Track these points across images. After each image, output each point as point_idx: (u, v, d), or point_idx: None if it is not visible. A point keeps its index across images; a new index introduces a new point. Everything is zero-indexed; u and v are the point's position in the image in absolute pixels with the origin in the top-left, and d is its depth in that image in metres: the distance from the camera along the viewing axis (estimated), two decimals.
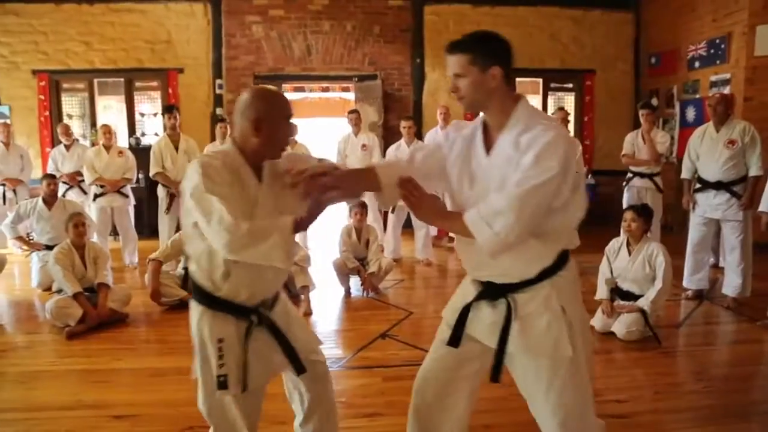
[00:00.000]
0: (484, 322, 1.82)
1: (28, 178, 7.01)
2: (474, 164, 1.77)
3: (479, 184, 1.73)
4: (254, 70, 8.40)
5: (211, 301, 1.87)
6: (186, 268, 4.94)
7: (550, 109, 8.64)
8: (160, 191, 6.18)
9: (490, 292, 1.82)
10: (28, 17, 8.18)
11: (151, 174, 6.09)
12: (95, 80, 8.49)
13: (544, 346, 1.73)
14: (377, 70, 8.38)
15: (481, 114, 1.81)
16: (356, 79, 8.45)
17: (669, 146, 6.24)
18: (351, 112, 7.24)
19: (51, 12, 8.18)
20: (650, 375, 3.36)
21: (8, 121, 7.45)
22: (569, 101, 9.07)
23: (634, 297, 3.94)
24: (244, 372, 1.85)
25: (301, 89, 9.63)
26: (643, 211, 3.96)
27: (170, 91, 8.41)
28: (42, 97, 8.29)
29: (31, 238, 6.05)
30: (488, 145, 1.74)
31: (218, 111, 8.41)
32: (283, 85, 8.67)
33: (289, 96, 10.40)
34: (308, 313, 4.49)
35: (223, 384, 1.84)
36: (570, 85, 9.05)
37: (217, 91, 8.44)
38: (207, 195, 1.69)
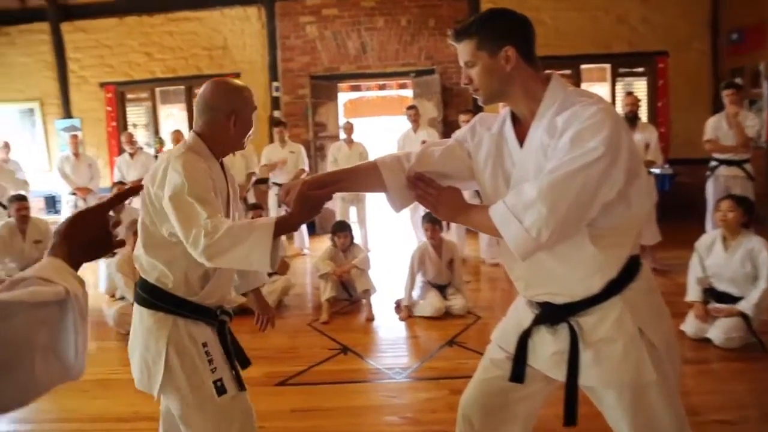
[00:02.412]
0: (546, 353, 1.54)
1: (97, 186, 7.20)
2: (508, 162, 1.51)
3: (517, 182, 1.45)
4: (309, 70, 8.34)
5: (185, 308, 1.78)
6: None
7: (619, 97, 8.11)
8: None
9: (548, 315, 1.53)
10: (94, 33, 8.45)
11: None
12: (157, 89, 8.67)
13: (623, 376, 1.44)
14: (434, 64, 8.12)
15: (502, 105, 1.56)
16: (413, 74, 8.23)
17: (759, 129, 5.66)
18: (409, 108, 7.06)
19: (115, 26, 8.42)
20: (756, 391, 2.95)
21: (78, 133, 7.69)
22: (640, 87, 8.47)
23: (731, 299, 3.49)
24: (236, 371, 1.82)
25: (357, 88, 9.51)
26: (742, 201, 3.52)
27: None
28: (109, 108, 8.55)
29: None
30: (521, 137, 1.47)
31: (275, 113, 8.39)
32: (339, 85, 8.58)
33: (346, 95, 10.35)
34: (370, 319, 4.30)
35: (221, 388, 1.76)
36: (640, 70, 8.45)
37: (274, 94, 8.43)
38: (189, 200, 1.60)
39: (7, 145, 7.52)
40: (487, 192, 1.56)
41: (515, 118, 1.52)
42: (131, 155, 6.97)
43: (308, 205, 1.58)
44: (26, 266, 3.68)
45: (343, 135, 7.22)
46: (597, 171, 1.26)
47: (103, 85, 8.51)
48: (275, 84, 8.43)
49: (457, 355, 3.50)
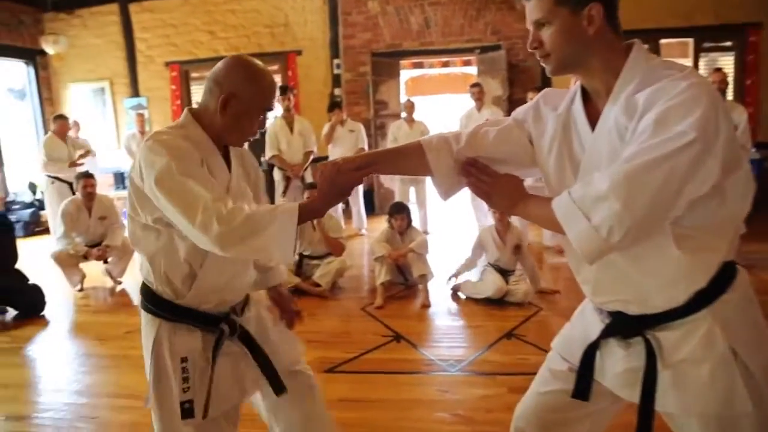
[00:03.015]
0: (616, 369, 1.32)
1: None
2: (576, 146, 1.27)
3: (587, 171, 1.22)
4: (371, 47, 8.16)
5: (170, 312, 1.54)
6: (301, 254, 4.82)
7: (703, 74, 7.48)
8: (276, 174, 6.12)
9: (620, 326, 1.30)
10: (160, 12, 8.59)
11: (267, 157, 6.03)
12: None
13: (709, 405, 1.19)
14: (500, 40, 7.75)
15: (574, 80, 1.29)
16: (478, 50, 7.90)
17: None
18: (473, 86, 6.76)
19: (179, 5, 8.52)
20: None
21: (144, 112, 7.87)
22: (726, 63, 7.78)
23: None
24: (207, 394, 1.52)
25: (420, 65, 9.26)
26: None
27: (290, 73, 8.43)
28: (174, 87, 8.71)
29: None
30: (593, 118, 1.23)
31: (336, 91, 8.29)
32: (401, 62, 8.36)
33: (408, 73, 10.09)
34: (426, 305, 4.14)
35: (188, 411, 1.51)
36: (728, 44, 7.75)
37: (335, 71, 8.32)
38: (181, 179, 1.34)
39: (77, 124, 7.80)
40: (551, 182, 1.34)
41: (586, 95, 1.28)
42: None
43: (336, 188, 1.40)
44: (92, 241, 3.76)
45: (404, 113, 7.02)
46: (686, 160, 1.02)
47: (168, 64, 8.67)
48: (336, 61, 8.31)
49: (516, 349, 3.29)
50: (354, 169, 1.41)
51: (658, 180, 1.02)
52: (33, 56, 8.70)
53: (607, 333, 1.33)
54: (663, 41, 7.68)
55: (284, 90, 5.94)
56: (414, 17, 8.02)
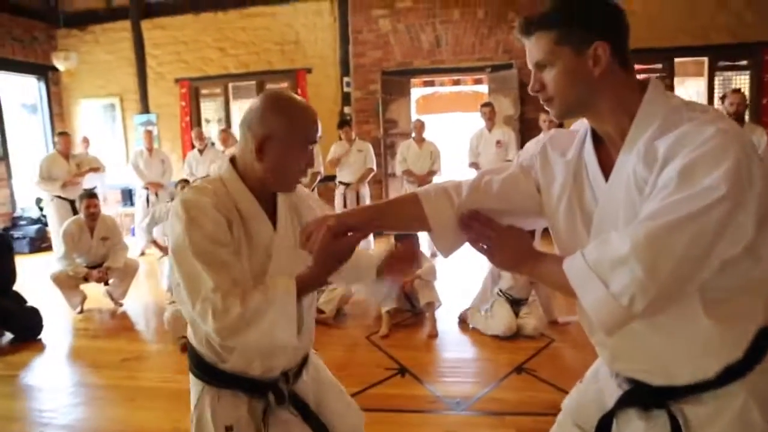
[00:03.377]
0: None
1: (169, 181, 7.29)
2: (588, 197, 1.13)
3: (601, 226, 1.08)
4: (382, 65, 8.09)
5: (214, 376, 1.43)
6: None
7: (717, 94, 7.31)
8: None
9: (641, 396, 1.15)
10: (171, 29, 8.60)
11: None
12: (230, 84, 8.71)
13: None
14: (512, 58, 7.64)
15: (582, 121, 1.17)
16: (489, 69, 7.80)
17: None
18: (484, 105, 6.67)
19: (191, 23, 8.53)
20: None
21: (152, 129, 7.83)
22: (742, 82, 7.62)
23: None
24: None
25: (430, 83, 9.16)
26: None
27: (299, 91, 8.37)
28: (183, 103, 8.69)
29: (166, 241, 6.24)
30: (606, 165, 1.10)
31: (346, 110, 8.22)
32: (412, 80, 8.27)
33: (419, 91, 9.99)
34: (433, 335, 3.98)
35: None
36: (744, 62, 7.59)
37: (345, 89, 8.25)
38: (190, 258, 1.25)
39: (86, 140, 7.79)
40: (561, 236, 1.20)
41: (597, 138, 1.14)
42: (200, 151, 7.01)
43: (334, 257, 1.26)
44: (93, 262, 3.65)
45: (414, 133, 6.91)
46: (715, 219, 0.89)
47: (178, 80, 8.65)
48: (346, 79, 8.24)
49: (526, 385, 3.12)
50: (347, 230, 1.27)
51: (685, 242, 0.89)
52: (45, 72, 8.74)
53: (625, 402, 1.18)
54: (677, 60, 7.55)
55: None
56: (425, 35, 7.95)
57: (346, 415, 1.61)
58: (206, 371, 1.44)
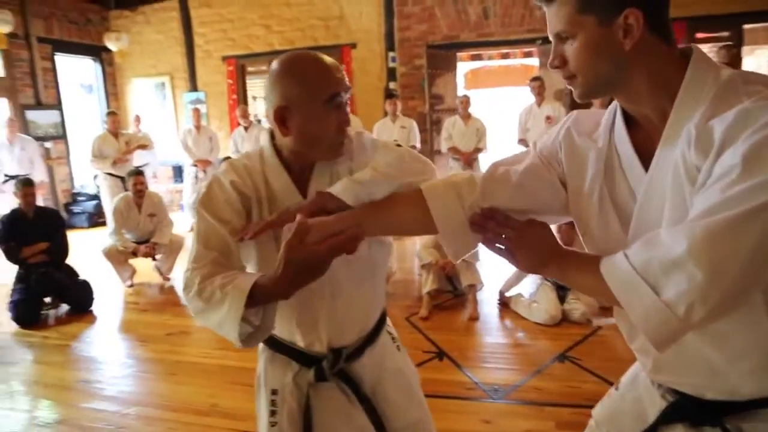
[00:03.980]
0: None
1: (216, 158, 7.38)
2: (623, 190, 0.97)
3: (642, 224, 0.93)
4: (427, 39, 7.88)
5: (269, 340, 1.39)
6: None
7: None
8: None
9: (690, 412, 1.01)
10: (217, 7, 8.63)
11: None
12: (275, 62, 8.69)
13: None
14: None
15: (615, 103, 0.99)
16: (539, 42, 7.47)
17: None
18: (533, 79, 6.43)
19: (236, 0, 8.52)
20: None
21: (199, 107, 7.93)
22: None
23: None
24: None
25: (478, 57, 8.91)
26: None
27: (344, 67, 8.25)
28: (230, 81, 8.75)
29: None
30: (644, 153, 0.93)
31: (391, 85, 8.08)
32: (459, 54, 8.05)
33: (466, 65, 9.75)
34: (474, 318, 3.88)
35: None
36: None
37: (390, 65, 8.10)
38: (196, 228, 1.26)
39: (138, 118, 7.96)
40: (594, 235, 1.04)
41: (629, 121, 0.97)
42: (245, 128, 7.05)
43: (305, 268, 1.07)
44: (141, 237, 3.74)
45: (459, 109, 6.73)
46: None
47: (225, 58, 8.71)
48: (391, 54, 8.09)
49: (569, 374, 3.00)
50: (327, 235, 1.07)
51: (753, 241, 0.74)
52: (99, 53, 8.96)
53: (670, 417, 1.04)
54: (747, 26, 7.01)
55: None
56: (472, 7, 7.68)
57: (405, 409, 1.48)
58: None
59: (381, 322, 1.48)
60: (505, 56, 8.92)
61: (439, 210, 1.11)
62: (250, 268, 1.31)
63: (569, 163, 1.06)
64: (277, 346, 1.40)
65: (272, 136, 1.32)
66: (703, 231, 0.77)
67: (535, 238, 1.04)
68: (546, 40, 7.07)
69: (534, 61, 8.05)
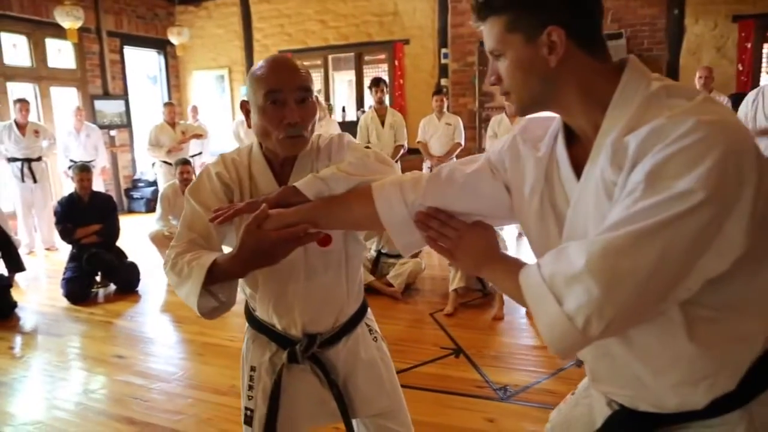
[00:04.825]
0: None
1: None
2: (560, 198, 0.97)
3: (572, 232, 0.92)
4: (480, 36, 7.69)
5: (251, 320, 1.54)
6: (379, 251, 4.72)
7: None
8: None
9: (629, 421, 1.00)
10: (276, 3, 8.88)
11: None
12: (329, 56, 8.86)
13: None
14: (622, 27, 7.05)
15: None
16: None
17: None
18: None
19: None
20: None
21: None
22: None
23: None
24: (273, 417, 1.45)
25: None
26: None
27: (396, 62, 8.34)
28: None
29: None
30: (580, 164, 0.93)
31: (443, 81, 8.06)
32: None
33: None
34: (498, 318, 3.85)
35: (248, 419, 1.51)
36: None
37: (443, 61, 8.09)
38: (184, 216, 1.38)
39: (195, 109, 8.31)
40: (534, 240, 1.05)
41: (571, 132, 0.99)
42: None
43: (259, 253, 1.19)
44: None
45: (506, 107, 6.63)
46: (692, 229, 0.73)
47: (281, 52, 8.93)
48: (444, 50, 8.07)
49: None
50: (284, 225, 1.18)
51: (652, 257, 0.74)
52: (164, 46, 9.40)
53: (614, 425, 1.04)
54: None
55: (377, 82, 5.85)
56: None
57: (373, 399, 1.54)
58: (247, 314, 1.55)
59: (359, 315, 1.55)
60: None
61: (384, 206, 1.15)
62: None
63: (512, 170, 1.07)
64: (258, 326, 1.51)
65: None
66: (601, 246, 0.77)
67: (475, 240, 1.07)
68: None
69: None
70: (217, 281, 1.25)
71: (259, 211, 1.19)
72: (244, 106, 1.37)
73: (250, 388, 1.51)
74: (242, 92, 9.17)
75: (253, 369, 1.51)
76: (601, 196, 0.86)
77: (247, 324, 1.55)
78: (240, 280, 1.42)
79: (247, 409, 1.51)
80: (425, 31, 8.16)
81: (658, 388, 0.93)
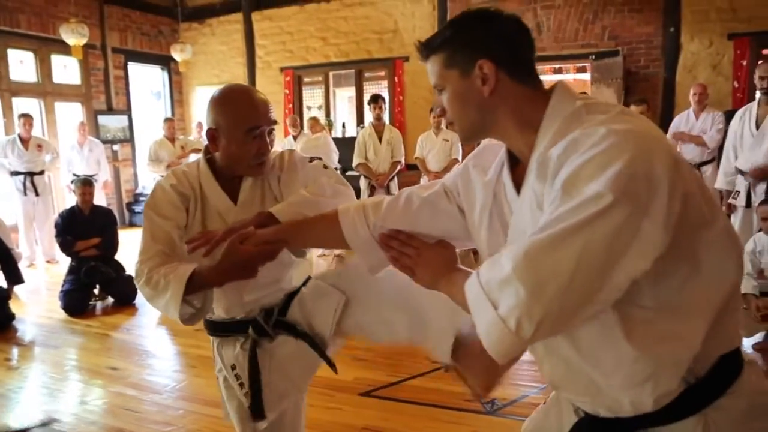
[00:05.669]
0: None
1: None
2: (507, 214, 1.05)
3: (513, 241, 0.99)
4: None
5: (213, 329, 1.65)
6: None
7: None
8: (362, 182, 6.09)
9: (592, 428, 1.03)
10: (278, 20, 9.02)
11: (354, 164, 6.04)
12: (330, 73, 8.97)
13: None
14: (619, 45, 7.12)
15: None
16: (593, 56, 7.32)
17: None
18: (581, 93, 6.28)
19: (296, 13, 8.88)
20: None
21: None
22: None
23: None
24: (258, 395, 1.57)
25: None
26: None
27: (396, 79, 8.44)
28: (287, 91, 9.09)
29: None
30: (520, 182, 1.01)
31: None
32: None
33: None
34: None
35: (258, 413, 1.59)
36: None
37: None
38: (145, 228, 1.46)
39: (200, 125, 8.42)
40: (487, 256, 1.11)
41: (514, 157, 1.07)
42: (294, 137, 7.30)
43: (237, 265, 1.32)
44: None
45: None
46: (605, 231, 0.78)
47: (283, 69, 9.06)
48: None
49: None
50: (261, 243, 1.31)
51: (571, 257, 0.78)
52: (168, 62, 9.54)
53: (579, 430, 1.07)
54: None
55: (375, 99, 5.94)
56: (526, 21, 7.50)
57: (329, 319, 1.61)
58: (208, 326, 1.65)
59: (305, 282, 1.68)
60: (557, 71, 8.79)
61: (349, 228, 1.25)
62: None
63: (464, 194, 1.16)
64: (222, 328, 1.61)
65: (206, 151, 1.56)
66: (524, 250, 0.82)
67: (433, 256, 1.14)
68: (600, 56, 6.95)
69: (586, 77, 7.88)
70: (195, 290, 1.36)
71: (246, 231, 1.32)
72: (211, 133, 1.47)
73: (242, 386, 1.58)
74: None
75: (234, 367, 1.59)
76: (534, 208, 0.93)
77: (212, 339, 1.65)
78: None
79: (251, 405, 1.57)
80: None
81: (610, 391, 0.96)
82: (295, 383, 1.68)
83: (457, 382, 3.09)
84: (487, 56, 0.97)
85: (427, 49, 1.04)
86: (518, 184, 1.01)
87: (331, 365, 1.62)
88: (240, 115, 1.43)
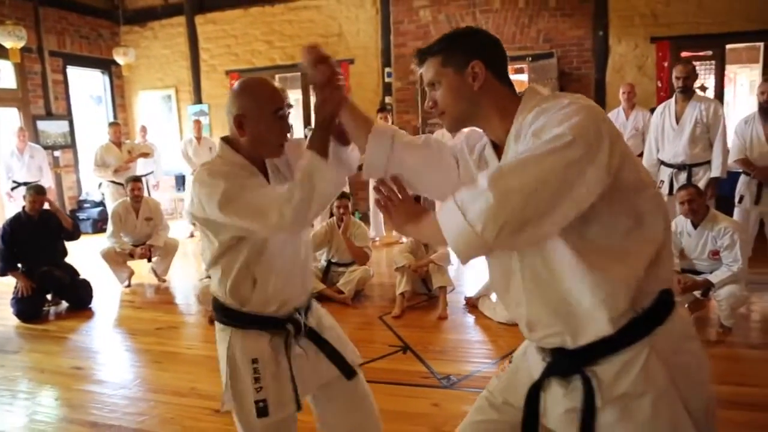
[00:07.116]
0: (558, 410, 1.28)
1: None
2: None
3: None
4: None
5: (239, 320, 1.68)
6: (329, 261, 4.93)
7: None
8: None
9: (560, 364, 1.26)
10: (222, 24, 9.02)
11: None
12: (276, 76, 9.02)
13: None
14: (553, 47, 7.56)
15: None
16: (530, 58, 7.74)
17: None
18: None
19: (240, 17, 8.91)
20: None
21: (200, 119, 8.26)
22: None
23: None
24: (295, 388, 1.67)
25: None
26: None
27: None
28: None
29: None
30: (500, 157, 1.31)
31: (387, 99, 8.39)
32: None
33: None
34: (443, 317, 4.13)
35: (262, 410, 1.64)
36: None
37: (386, 80, 8.41)
38: (241, 195, 1.49)
39: (144, 129, 8.33)
40: None
41: (495, 145, 1.34)
42: None
43: (331, 96, 1.47)
44: (138, 241, 4.07)
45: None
46: (563, 161, 1.02)
47: (228, 72, 9.07)
48: (387, 70, 8.39)
49: None
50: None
51: (533, 177, 1.02)
52: (108, 66, 9.37)
53: (548, 372, 1.29)
54: (730, 46, 7.25)
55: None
56: (465, 24, 7.96)
57: (348, 348, 1.83)
58: (232, 316, 1.68)
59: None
60: None
61: (372, 144, 1.46)
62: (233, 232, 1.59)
63: (462, 164, 1.43)
64: (247, 322, 1.67)
65: (227, 142, 1.65)
66: (499, 170, 1.06)
67: (408, 208, 1.34)
68: (536, 57, 7.32)
69: (524, 77, 8.31)
70: (325, 150, 1.48)
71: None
72: (239, 119, 1.57)
73: (257, 380, 1.64)
74: (190, 111, 9.27)
75: (255, 361, 1.64)
76: None
77: (228, 331, 1.68)
78: (235, 282, 1.63)
79: (258, 402, 1.63)
80: (369, 51, 8.48)
81: (577, 316, 1.18)
82: (318, 379, 1.78)
83: (413, 362, 3.34)
84: (479, 58, 1.24)
85: (426, 53, 1.30)
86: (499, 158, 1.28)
87: (350, 371, 1.78)
88: (266, 98, 1.57)
